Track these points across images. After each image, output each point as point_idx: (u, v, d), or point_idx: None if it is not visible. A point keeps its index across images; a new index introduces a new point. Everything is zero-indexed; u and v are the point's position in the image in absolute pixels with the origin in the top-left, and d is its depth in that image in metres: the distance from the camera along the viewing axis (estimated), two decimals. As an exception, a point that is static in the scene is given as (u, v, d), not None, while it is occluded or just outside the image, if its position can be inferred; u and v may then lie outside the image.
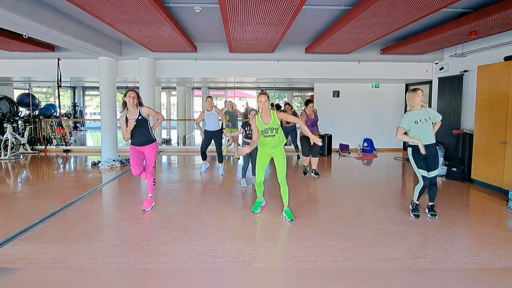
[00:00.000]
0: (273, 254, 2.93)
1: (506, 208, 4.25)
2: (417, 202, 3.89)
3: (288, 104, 8.01)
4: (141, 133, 3.83)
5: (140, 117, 3.77)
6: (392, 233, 3.42)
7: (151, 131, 3.93)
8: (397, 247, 3.07)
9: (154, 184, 4.09)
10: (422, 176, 3.71)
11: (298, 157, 7.89)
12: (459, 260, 2.85)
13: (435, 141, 3.74)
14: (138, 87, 7.63)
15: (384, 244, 3.15)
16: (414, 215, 3.85)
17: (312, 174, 5.96)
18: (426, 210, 3.97)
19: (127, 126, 3.74)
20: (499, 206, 4.35)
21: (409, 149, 3.75)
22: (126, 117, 3.80)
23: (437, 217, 3.84)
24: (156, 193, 5.09)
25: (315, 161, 5.92)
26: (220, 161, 6.22)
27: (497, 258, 2.89)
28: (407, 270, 2.70)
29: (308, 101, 5.86)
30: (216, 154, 6.27)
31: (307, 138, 5.50)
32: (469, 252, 3.00)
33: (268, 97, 3.56)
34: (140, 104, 3.83)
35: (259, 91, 15.40)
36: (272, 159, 3.77)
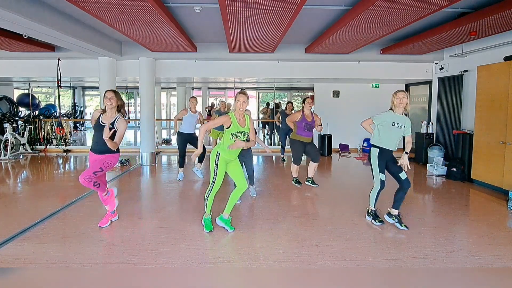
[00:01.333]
0: (273, 254, 2.93)
1: (506, 208, 4.25)
2: (374, 209, 3.69)
3: (291, 102, 7.83)
4: (99, 141, 3.24)
5: (110, 126, 3.20)
6: (392, 233, 3.42)
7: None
8: (397, 247, 3.07)
9: (97, 187, 3.31)
10: (381, 181, 3.54)
11: (283, 160, 7.68)
12: (459, 260, 2.85)
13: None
14: (138, 87, 7.63)
15: (384, 244, 3.15)
16: (378, 221, 3.60)
17: (308, 183, 5.19)
18: (393, 221, 3.58)
19: (96, 126, 3.29)
20: (499, 206, 4.35)
21: (375, 150, 3.55)
22: (99, 118, 3.29)
23: (408, 229, 3.47)
24: (156, 193, 5.10)
25: (313, 166, 5.10)
26: (200, 160, 5.77)
27: (497, 258, 2.89)
28: (407, 270, 2.70)
29: (306, 97, 5.15)
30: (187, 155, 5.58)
31: (300, 142, 4.97)
32: (469, 252, 3.00)
33: (248, 98, 3.27)
34: (119, 108, 3.30)
35: (261, 91, 15.42)
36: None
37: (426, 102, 8.17)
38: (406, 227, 3.50)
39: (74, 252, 2.92)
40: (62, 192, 4.94)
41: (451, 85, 6.92)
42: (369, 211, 3.75)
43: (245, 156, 4.41)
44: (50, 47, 6.69)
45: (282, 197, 4.68)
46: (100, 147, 3.28)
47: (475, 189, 5.24)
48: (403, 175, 3.50)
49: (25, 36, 4.99)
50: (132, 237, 3.25)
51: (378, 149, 3.55)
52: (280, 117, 7.73)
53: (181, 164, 5.65)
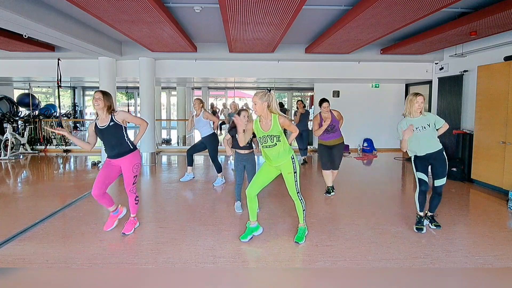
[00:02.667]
0: (273, 254, 2.93)
1: (506, 208, 4.25)
2: (421, 214, 3.51)
3: (301, 101, 7.48)
4: (113, 144, 3.19)
5: (111, 123, 3.13)
6: (392, 233, 3.42)
7: (127, 140, 3.27)
8: (397, 247, 3.07)
9: (136, 203, 3.40)
10: (419, 179, 3.44)
11: (305, 161, 7.50)
12: (459, 260, 2.85)
13: (441, 147, 3.49)
14: (138, 87, 7.63)
15: (384, 244, 3.15)
16: (416, 228, 3.46)
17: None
18: (427, 222, 3.60)
19: (95, 135, 3.24)
20: (499, 206, 4.35)
21: (412, 155, 3.53)
22: (96, 124, 3.17)
23: (441, 228, 3.52)
24: (156, 193, 5.10)
25: (333, 174, 4.96)
26: (219, 170, 5.38)
27: (497, 258, 2.89)
28: (407, 270, 2.70)
29: (323, 101, 4.85)
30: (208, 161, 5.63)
31: (326, 147, 4.83)
32: (469, 252, 3.00)
33: (265, 95, 2.94)
34: (110, 108, 3.16)
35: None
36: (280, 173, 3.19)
37: (426, 102, 8.17)
38: (437, 226, 3.53)
39: (74, 252, 2.92)
40: (62, 192, 4.94)
41: (451, 85, 6.91)
42: (416, 215, 3.58)
43: (247, 160, 4.06)
44: (50, 47, 6.69)
45: (282, 197, 4.68)
46: (117, 152, 3.22)
47: (475, 189, 5.24)
48: (436, 183, 3.48)
49: (25, 36, 4.98)
50: (132, 237, 3.25)
51: (414, 155, 3.51)
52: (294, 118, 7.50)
53: (190, 161, 5.57)
